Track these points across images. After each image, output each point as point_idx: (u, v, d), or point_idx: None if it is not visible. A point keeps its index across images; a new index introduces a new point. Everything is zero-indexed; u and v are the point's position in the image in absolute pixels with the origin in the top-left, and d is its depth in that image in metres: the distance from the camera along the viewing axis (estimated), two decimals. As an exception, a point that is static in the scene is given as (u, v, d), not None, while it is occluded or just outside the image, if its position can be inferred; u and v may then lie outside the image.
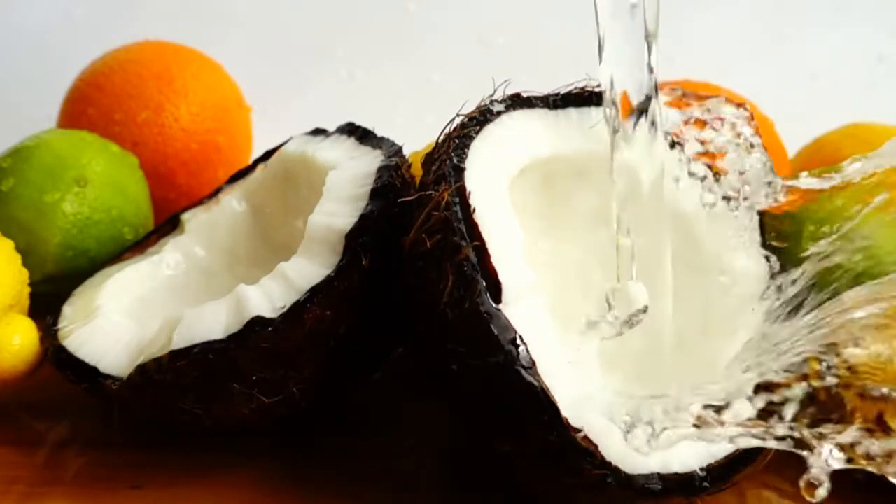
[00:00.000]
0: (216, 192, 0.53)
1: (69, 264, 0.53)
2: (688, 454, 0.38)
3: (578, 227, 0.47)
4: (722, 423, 0.33)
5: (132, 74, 0.64)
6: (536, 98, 0.44)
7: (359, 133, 0.49)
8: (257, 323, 0.38)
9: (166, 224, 0.53)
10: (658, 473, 0.37)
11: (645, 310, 0.38)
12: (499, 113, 0.42)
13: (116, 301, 0.47)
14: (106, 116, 0.63)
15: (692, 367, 0.43)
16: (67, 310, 0.47)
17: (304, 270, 0.40)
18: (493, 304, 0.36)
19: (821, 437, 0.32)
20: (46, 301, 0.48)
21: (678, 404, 0.34)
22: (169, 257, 0.51)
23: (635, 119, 0.37)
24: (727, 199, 0.42)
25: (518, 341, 0.35)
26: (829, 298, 0.40)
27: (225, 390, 0.39)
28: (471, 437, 0.42)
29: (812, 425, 0.32)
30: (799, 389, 0.32)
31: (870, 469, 0.32)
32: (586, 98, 0.45)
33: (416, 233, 0.38)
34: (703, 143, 0.41)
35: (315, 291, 0.39)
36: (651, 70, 0.36)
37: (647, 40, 0.36)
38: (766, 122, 0.61)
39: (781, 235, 0.48)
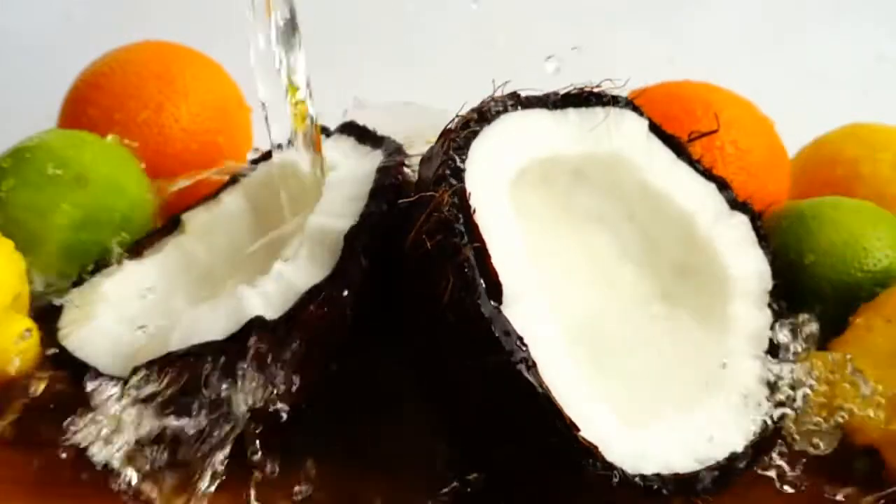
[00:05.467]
0: (216, 192, 0.53)
1: (69, 264, 0.53)
2: (689, 454, 0.38)
3: (577, 226, 0.47)
4: None
5: (132, 74, 0.64)
6: (536, 98, 0.44)
7: (359, 133, 0.49)
8: (256, 324, 0.38)
9: (166, 224, 0.53)
10: (659, 474, 0.37)
11: None
12: (498, 113, 0.42)
13: (116, 301, 0.47)
14: (106, 116, 0.63)
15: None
16: (67, 310, 0.47)
17: (304, 271, 0.40)
18: (494, 305, 0.36)
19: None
20: (46, 301, 0.48)
21: None
22: (169, 257, 0.51)
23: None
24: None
25: (519, 342, 0.35)
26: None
27: (224, 391, 0.39)
28: (471, 438, 0.42)
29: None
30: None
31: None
32: (585, 98, 0.45)
33: (417, 234, 0.38)
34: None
35: (314, 292, 0.39)
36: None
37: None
38: (766, 122, 0.61)
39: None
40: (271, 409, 0.40)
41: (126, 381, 0.40)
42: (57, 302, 0.48)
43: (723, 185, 0.47)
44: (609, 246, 0.47)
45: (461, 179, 0.38)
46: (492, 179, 0.40)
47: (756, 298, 0.46)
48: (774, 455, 0.42)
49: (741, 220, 0.47)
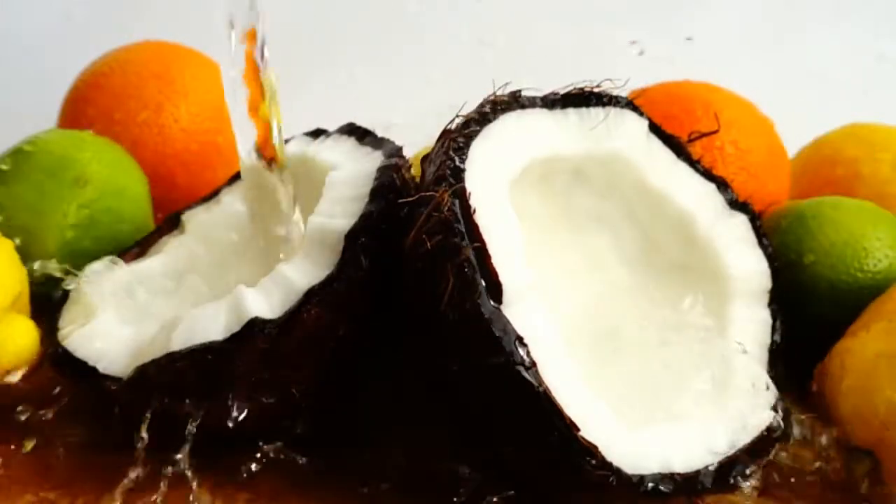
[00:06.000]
0: (216, 192, 0.53)
1: (69, 264, 0.53)
2: (689, 454, 0.38)
3: (577, 226, 0.47)
4: None
5: (132, 74, 0.64)
6: (536, 99, 0.44)
7: (359, 133, 0.49)
8: (256, 324, 0.38)
9: (166, 224, 0.53)
10: (659, 474, 0.37)
11: None
12: (498, 113, 0.42)
13: (116, 301, 0.47)
14: (106, 116, 0.63)
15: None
16: (67, 310, 0.47)
17: (304, 271, 0.40)
18: (494, 305, 0.36)
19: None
20: (46, 301, 0.48)
21: None
22: (169, 257, 0.51)
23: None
24: None
25: (519, 342, 0.35)
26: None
27: (224, 391, 0.39)
28: (471, 438, 0.42)
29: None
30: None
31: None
32: (585, 98, 0.45)
33: (417, 234, 0.38)
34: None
35: (314, 292, 0.39)
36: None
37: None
38: (766, 122, 0.61)
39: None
40: (271, 409, 0.40)
41: (127, 380, 0.40)
42: (57, 302, 0.48)
43: (723, 185, 0.47)
44: (609, 246, 0.47)
45: (461, 179, 0.38)
46: (492, 179, 0.40)
47: (756, 298, 0.46)
48: (774, 456, 0.42)
49: (741, 220, 0.47)
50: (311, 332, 0.39)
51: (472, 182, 0.38)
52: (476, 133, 0.41)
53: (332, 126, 0.52)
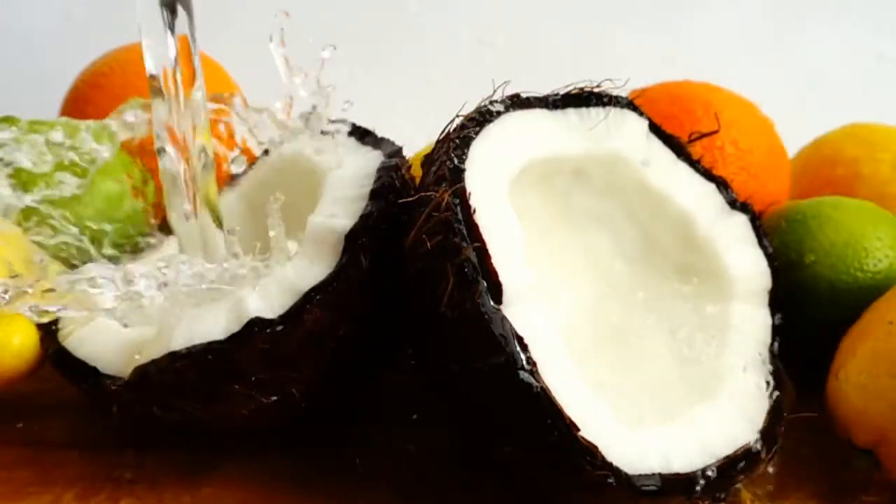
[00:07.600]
0: (215, 193, 0.53)
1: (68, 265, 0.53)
2: (689, 454, 0.38)
3: (577, 227, 0.47)
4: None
5: (132, 74, 0.64)
6: (536, 99, 0.44)
7: (359, 133, 0.49)
8: (256, 324, 0.38)
9: (165, 224, 0.53)
10: (659, 474, 0.37)
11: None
12: (498, 114, 0.42)
13: (116, 302, 0.46)
14: (106, 116, 0.63)
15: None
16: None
17: (304, 271, 0.40)
18: (494, 305, 0.36)
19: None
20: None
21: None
22: (168, 257, 0.50)
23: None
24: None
25: (519, 342, 0.35)
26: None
27: (224, 391, 0.39)
28: (471, 438, 0.42)
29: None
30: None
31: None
32: (585, 98, 0.45)
33: (417, 234, 0.38)
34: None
35: (314, 292, 0.39)
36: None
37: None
38: (766, 122, 0.61)
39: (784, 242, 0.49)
40: (271, 409, 0.40)
41: (127, 380, 0.40)
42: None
43: (723, 185, 0.47)
44: (609, 246, 0.47)
45: (461, 179, 0.38)
46: (492, 179, 0.40)
47: (756, 298, 0.46)
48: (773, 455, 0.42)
49: (741, 220, 0.47)
50: (311, 332, 0.39)
51: (472, 182, 0.38)
52: (476, 133, 0.41)
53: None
